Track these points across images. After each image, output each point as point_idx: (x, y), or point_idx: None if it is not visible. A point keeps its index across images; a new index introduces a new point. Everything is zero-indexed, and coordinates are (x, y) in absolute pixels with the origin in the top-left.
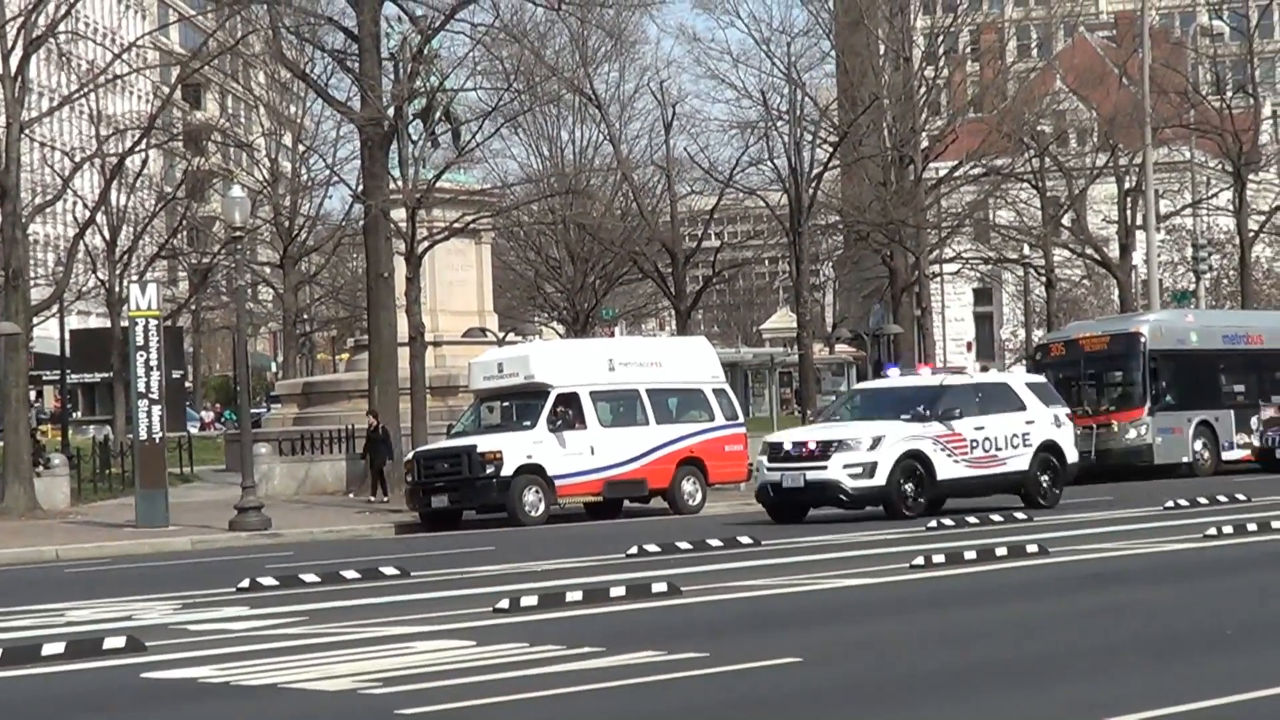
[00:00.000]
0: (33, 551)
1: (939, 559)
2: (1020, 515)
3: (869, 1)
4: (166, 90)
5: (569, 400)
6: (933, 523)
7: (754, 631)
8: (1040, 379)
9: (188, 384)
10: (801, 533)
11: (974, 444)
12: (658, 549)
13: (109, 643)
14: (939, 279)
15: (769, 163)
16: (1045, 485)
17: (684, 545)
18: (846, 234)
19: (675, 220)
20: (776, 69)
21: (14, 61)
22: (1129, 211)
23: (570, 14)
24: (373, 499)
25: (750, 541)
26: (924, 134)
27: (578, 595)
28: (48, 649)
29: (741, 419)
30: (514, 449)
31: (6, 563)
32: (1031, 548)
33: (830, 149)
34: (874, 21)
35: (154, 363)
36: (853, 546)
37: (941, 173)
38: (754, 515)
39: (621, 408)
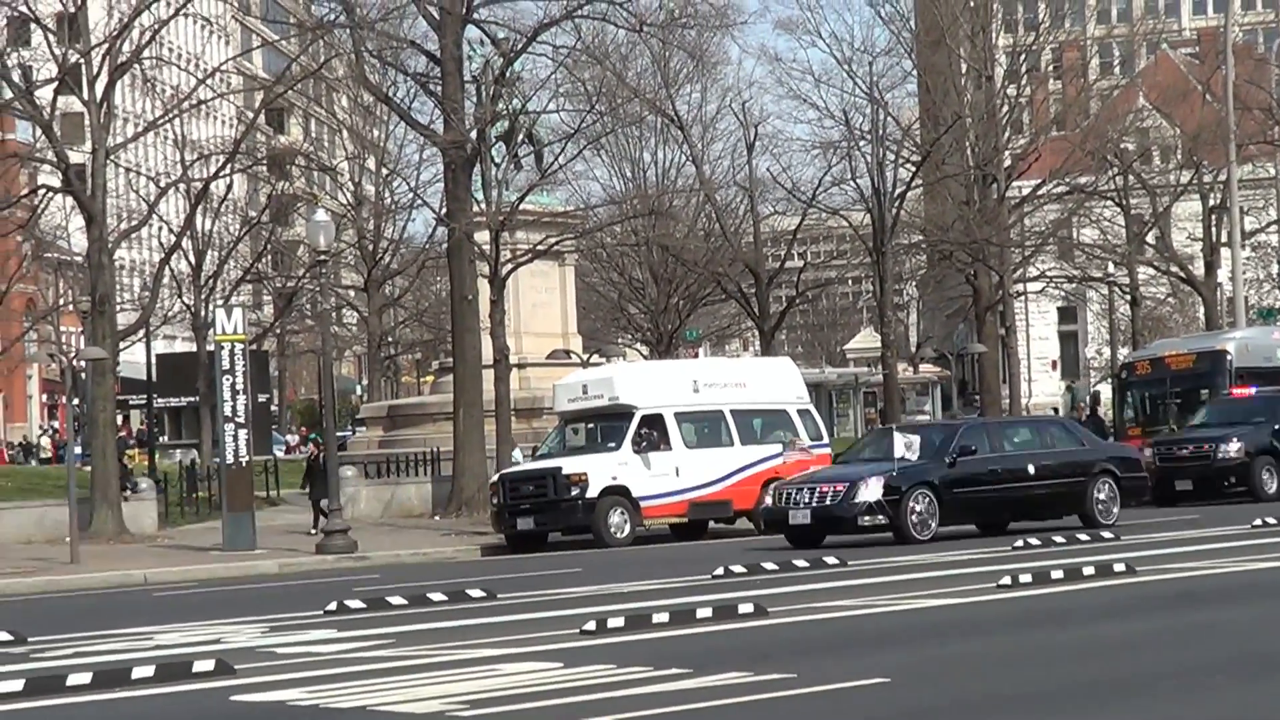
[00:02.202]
0: (121, 575)
1: (1026, 578)
2: (1107, 535)
3: (951, 20)
4: (250, 115)
5: (654, 421)
6: (1019, 542)
7: (841, 652)
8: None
9: (273, 408)
10: (887, 553)
11: None
12: (743, 570)
13: (198, 666)
14: (1023, 298)
15: (852, 182)
16: None
17: (770, 566)
18: (930, 253)
19: (758, 241)
20: (858, 89)
21: (100, 88)
22: (1213, 229)
23: (652, 35)
24: (312, 532)
25: (837, 562)
26: (1007, 152)
27: (664, 617)
28: (137, 672)
29: (826, 439)
30: (599, 471)
31: (96, 586)
32: (1119, 567)
33: (913, 168)
34: (956, 40)
35: (240, 386)
36: (939, 566)
37: (1025, 191)
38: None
39: (706, 429)
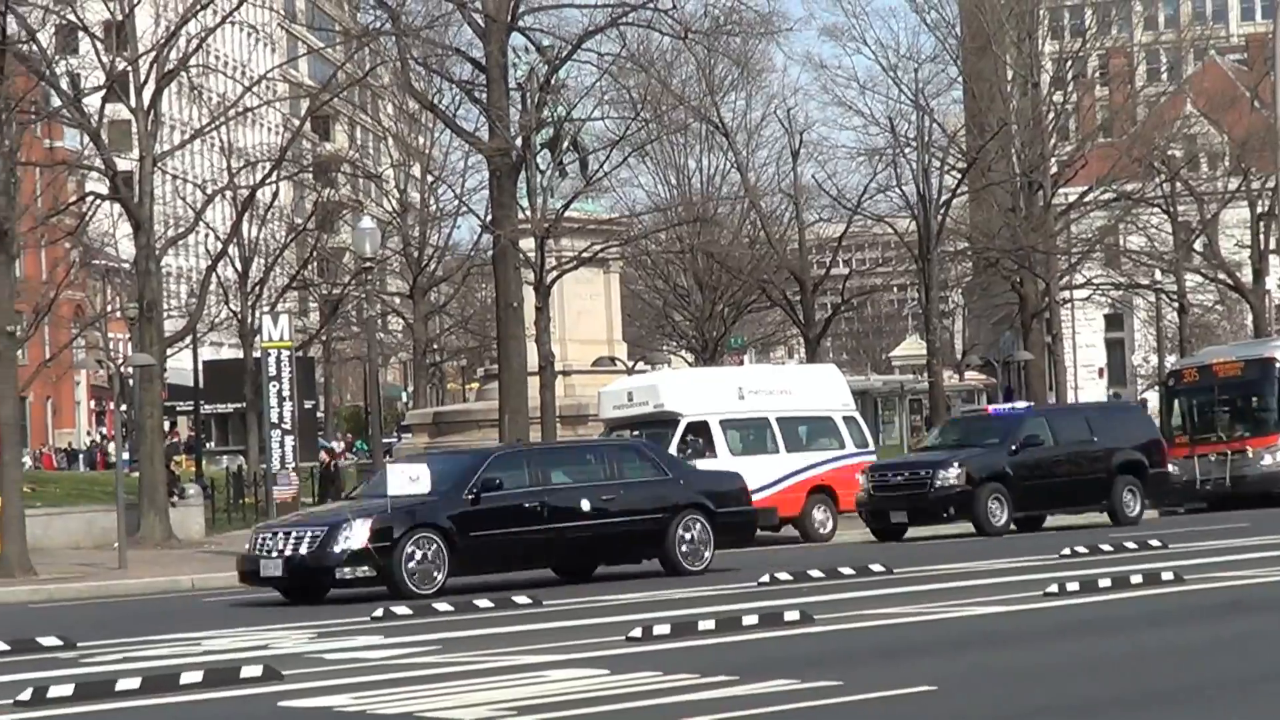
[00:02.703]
0: (168, 581)
1: (1073, 586)
2: (1154, 542)
3: (997, 27)
4: (296, 122)
5: (699, 429)
6: (1066, 550)
7: (888, 660)
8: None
9: (319, 414)
10: (934, 559)
11: None
12: (789, 577)
13: (246, 671)
14: (1069, 305)
15: (897, 189)
16: None
17: (815, 573)
18: (976, 260)
19: (803, 248)
20: (904, 95)
21: (147, 95)
22: (1262, 236)
23: (697, 42)
24: None
25: (883, 569)
26: (1053, 159)
27: (710, 624)
28: (186, 678)
29: (872, 447)
30: None
31: (143, 592)
32: (1167, 575)
33: (959, 175)
34: (1002, 47)
35: (286, 393)
36: (986, 574)
37: (1071, 198)
38: (885, 542)
39: (751, 436)
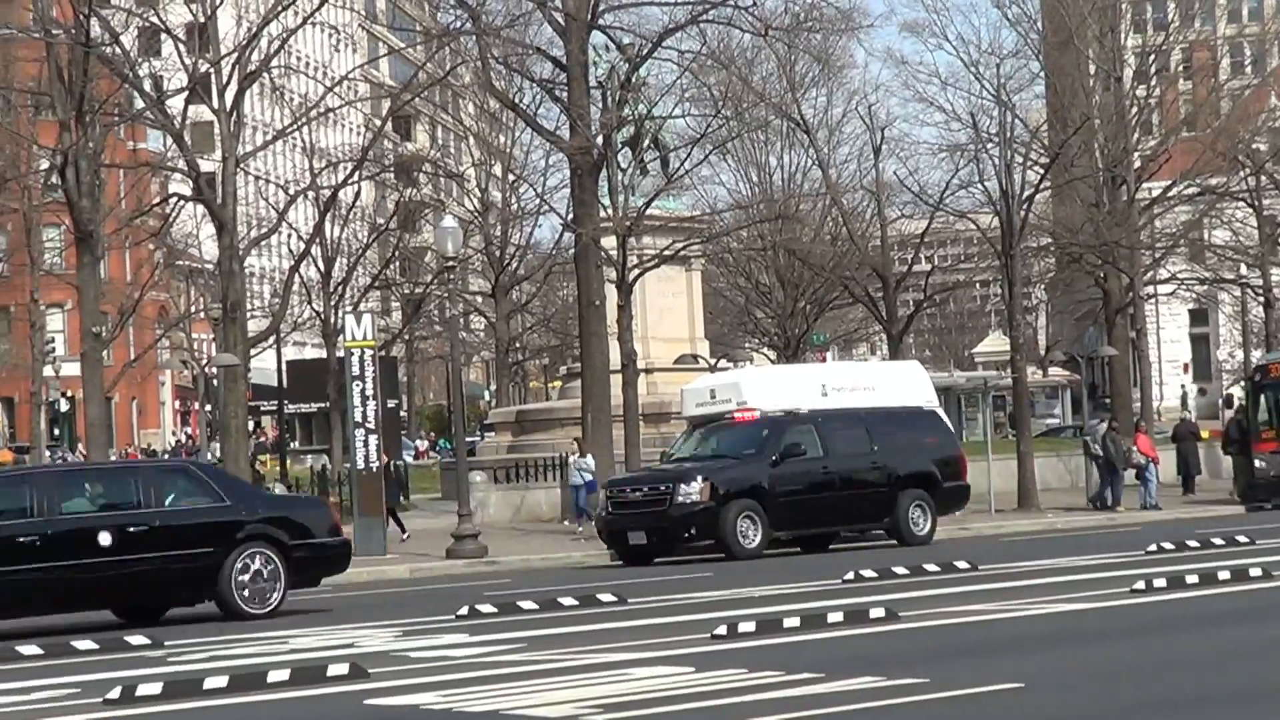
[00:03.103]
0: None
1: (1160, 583)
2: (1242, 539)
3: (1079, 21)
4: (378, 122)
5: None
6: (1151, 546)
7: (974, 657)
8: None
9: (402, 413)
10: (1019, 556)
11: None
12: (874, 574)
13: (332, 670)
14: (1154, 300)
15: (979, 185)
16: None
17: (901, 570)
18: (1059, 256)
19: (885, 244)
20: (986, 91)
21: (229, 97)
22: None
23: (777, 39)
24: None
25: (967, 566)
26: (1136, 154)
27: (795, 621)
28: (273, 676)
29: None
30: None
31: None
32: (1255, 571)
33: (1041, 170)
34: (1084, 42)
35: (369, 392)
36: (1072, 571)
37: (1155, 193)
38: (968, 539)
39: None
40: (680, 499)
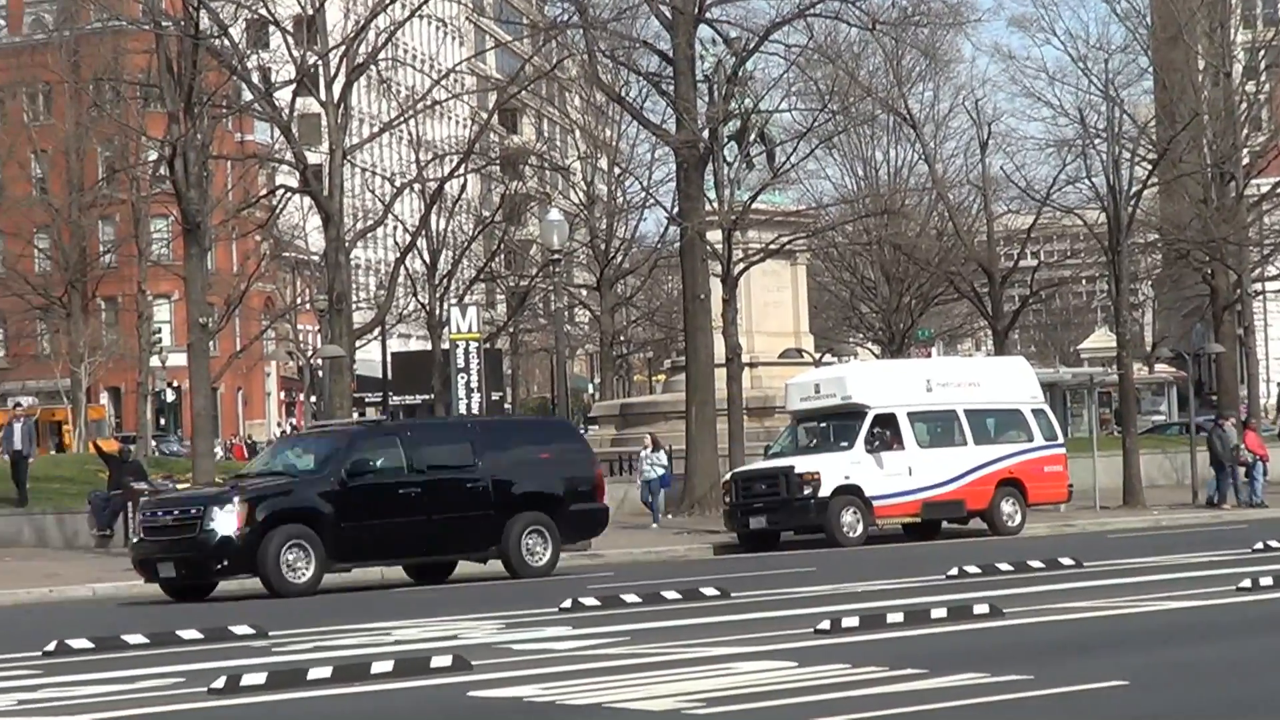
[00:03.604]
0: (358, 571)
1: (1266, 581)
2: None
3: (1188, 16)
4: (484, 115)
5: (886, 421)
6: (1258, 544)
7: (1078, 654)
8: None
9: (506, 405)
10: (1124, 553)
11: None
12: (978, 570)
13: (436, 661)
14: (1262, 297)
15: (1086, 181)
16: None
17: (1004, 566)
18: (1166, 252)
19: (991, 239)
20: (1094, 86)
21: (337, 89)
22: None
23: (884, 34)
24: None
25: (1072, 562)
26: (1245, 150)
27: (899, 617)
28: (377, 667)
29: (1061, 439)
30: (832, 470)
31: (334, 584)
32: None
33: (1149, 166)
34: (1193, 37)
35: (474, 384)
36: (1176, 568)
37: (1264, 189)
38: (1073, 535)
39: (939, 428)
40: (209, 526)
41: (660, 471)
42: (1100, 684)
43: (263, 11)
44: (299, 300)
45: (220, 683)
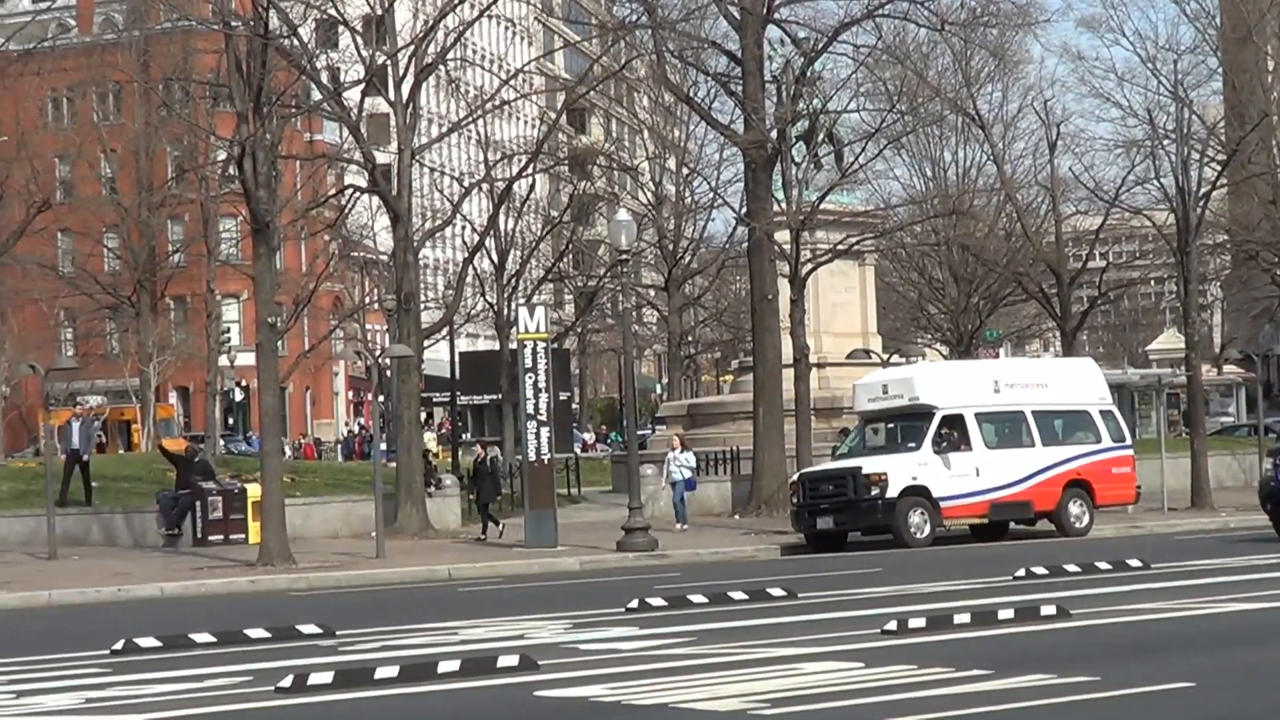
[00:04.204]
0: (426, 570)
1: None
2: None
3: (1258, 18)
4: (552, 115)
5: (954, 422)
6: None
7: (1145, 655)
8: None
9: (574, 406)
10: (1190, 555)
11: None
12: (1045, 571)
13: (503, 661)
14: None
15: (1155, 182)
16: None
17: (1072, 568)
18: (1235, 253)
19: (1060, 240)
20: (1163, 87)
21: (405, 89)
22: None
23: (953, 34)
24: (481, 538)
25: (1140, 564)
26: None
27: (965, 618)
28: (443, 666)
29: (1129, 441)
30: (899, 470)
31: (401, 581)
32: None
33: (1218, 167)
34: (1263, 38)
35: (542, 385)
36: (1244, 570)
37: None
38: (1141, 537)
39: (1007, 429)
40: None
41: (687, 474)
42: (1167, 685)
43: (332, 11)
44: (367, 300)
45: (287, 681)
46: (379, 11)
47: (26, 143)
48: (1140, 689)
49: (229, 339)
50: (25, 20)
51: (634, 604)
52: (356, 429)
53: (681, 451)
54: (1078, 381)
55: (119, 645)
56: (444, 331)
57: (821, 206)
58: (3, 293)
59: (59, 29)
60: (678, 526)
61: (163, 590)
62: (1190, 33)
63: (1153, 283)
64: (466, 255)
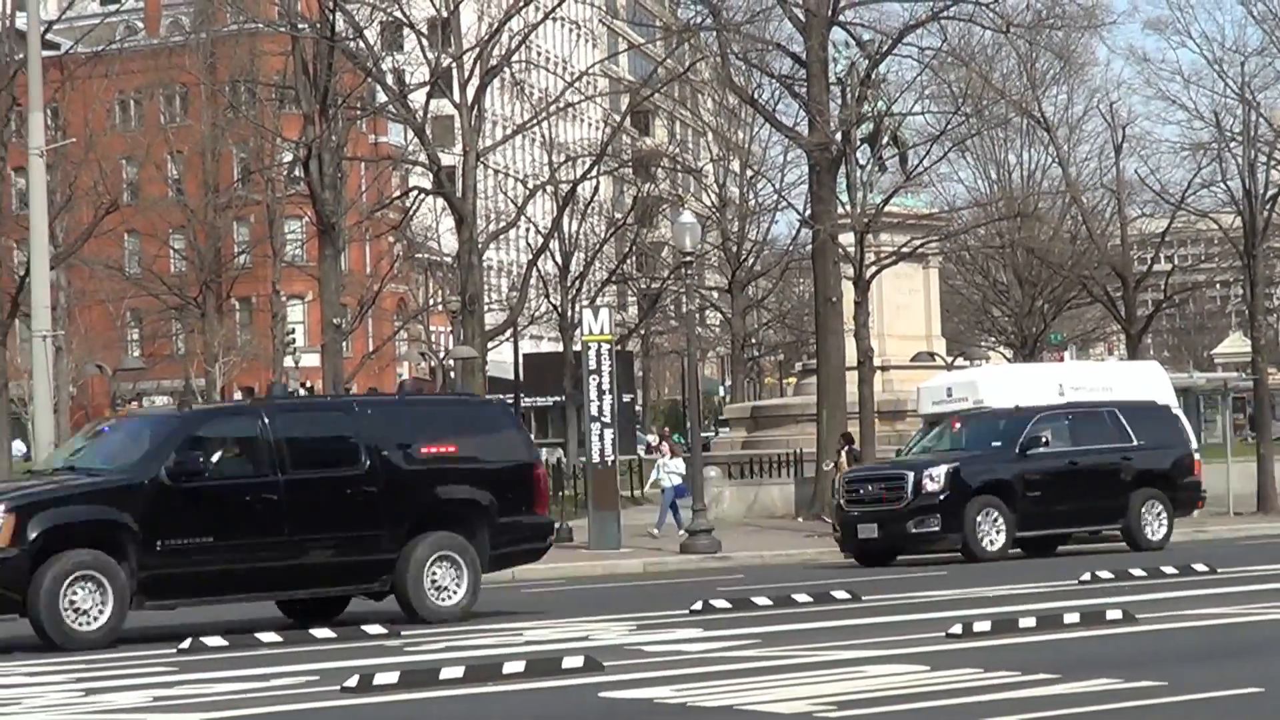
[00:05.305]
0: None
1: None
2: None
3: None
4: (617, 118)
5: None
6: None
7: (1212, 660)
8: None
9: (637, 408)
10: (1258, 560)
11: None
12: (1111, 575)
13: (567, 662)
14: None
15: (1222, 184)
16: None
17: (1137, 572)
18: None
19: (1125, 243)
20: (1230, 89)
21: (470, 91)
22: None
23: (1019, 36)
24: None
25: (1206, 569)
26: None
27: (1031, 621)
28: (508, 667)
29: (1195, 444)
30: None
31: None
32: None
33: None
34: None
35: (606, 386)
36: None
37: None
38: (1207, 542)
39: None
40: None
41: (677, 480)
42: (1235, 691)
43: (397, 14)
44: (431, 301)
45: (353, 681)
46: (444, 14)
47: (94, 145)
48: (1207, 694)
49: (294, 340)
50: (94, 23)
51: (698, 606)
52: None
53: (671, 458)
54: (1143, 385)
55: (186, 644)
56: (508, 333)
57: (886, 209)
58: (70, 293)
59: (127, 31)
60: (653, 531)
61: None
62: (1258, 34)
63: (1219, 286)
64: (531, 257)
